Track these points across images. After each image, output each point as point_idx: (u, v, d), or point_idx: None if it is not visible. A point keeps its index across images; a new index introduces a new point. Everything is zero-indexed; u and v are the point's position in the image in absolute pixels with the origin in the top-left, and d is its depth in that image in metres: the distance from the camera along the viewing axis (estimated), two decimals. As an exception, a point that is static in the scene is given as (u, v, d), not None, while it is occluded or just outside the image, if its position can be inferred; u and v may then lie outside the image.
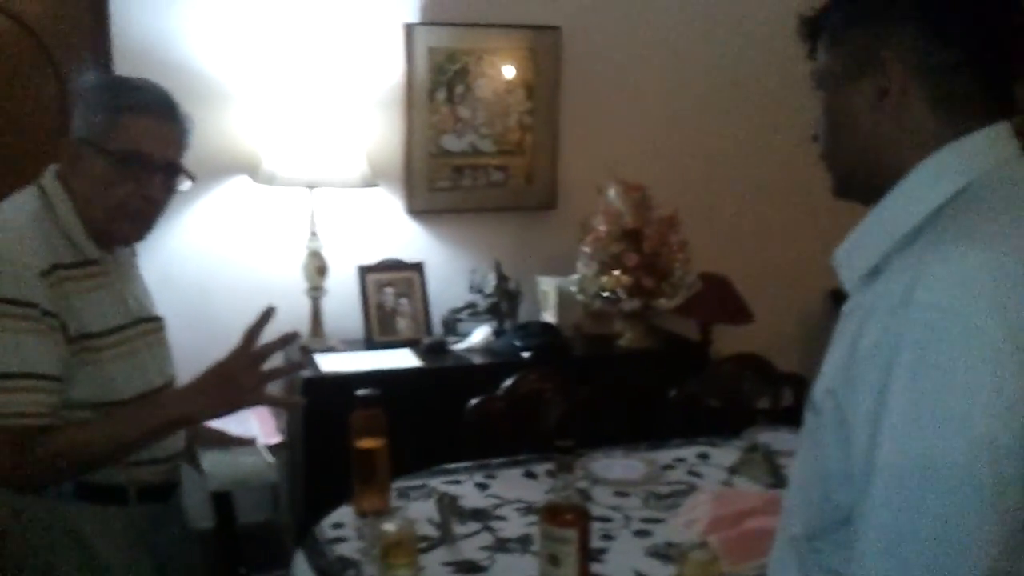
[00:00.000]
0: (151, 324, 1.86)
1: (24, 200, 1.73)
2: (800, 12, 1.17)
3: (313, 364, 3.12)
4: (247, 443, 1.99)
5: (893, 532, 0.94)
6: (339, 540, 1.96)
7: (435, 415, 2.82)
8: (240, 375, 1.70)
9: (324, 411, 2.87)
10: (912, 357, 0.94)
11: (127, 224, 1.76)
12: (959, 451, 0.91)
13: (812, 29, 1.15)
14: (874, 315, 0.99)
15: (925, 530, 0.92)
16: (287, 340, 1.78)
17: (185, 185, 1.83)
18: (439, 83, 3.42)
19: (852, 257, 1.10)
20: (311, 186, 3.16)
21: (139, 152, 1.72)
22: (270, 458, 1.99)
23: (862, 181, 1.13)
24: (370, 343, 3.32)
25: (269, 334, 3.39)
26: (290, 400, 2.48)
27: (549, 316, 3.52)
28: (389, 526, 1.81)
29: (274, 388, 3.18)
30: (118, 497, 1.75)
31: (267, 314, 1.74)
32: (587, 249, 3.35)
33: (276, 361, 2.97)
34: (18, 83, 3.13)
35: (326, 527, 2.02)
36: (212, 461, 1.89)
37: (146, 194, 1.74)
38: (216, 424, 1.99)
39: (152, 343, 1.84)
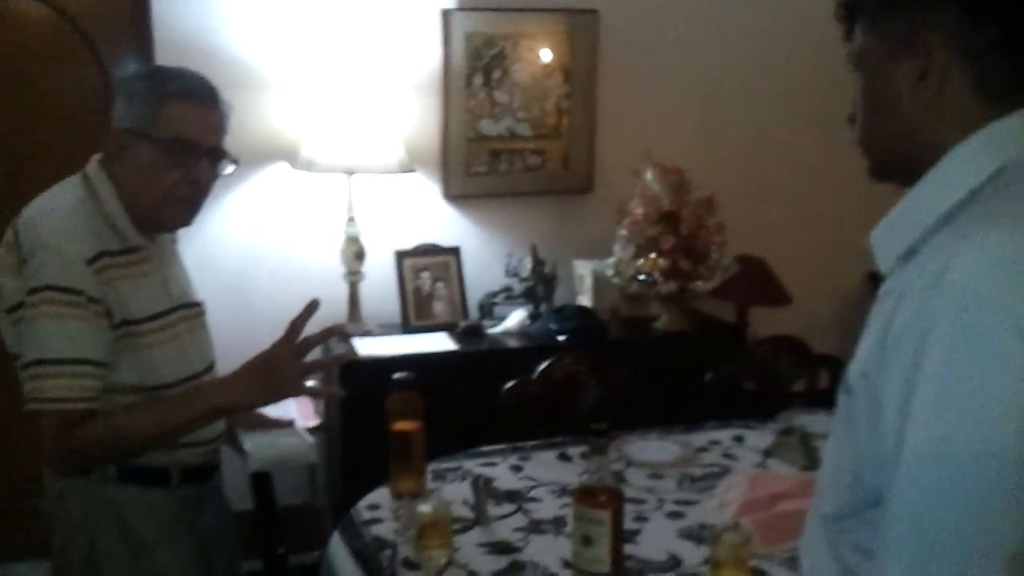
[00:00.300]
0: (192, 310, 1.90)
1: (68, 189, 1.77)
2: None
3: (351, 348, 3.15)
4: (286, 425, 2.03)
5: (919, 513, 0.94)
6: (375, 521, 1.99)
7: (471, 398, 2.84)
8: (283, 366, 1.72)
9: (361, 394, 2.91)
10: (944, 338, 0.93)
11: (176, 209, 1.79)
12: (987, 436, 0.91)
13: (849, 10, 1.14)
14: (907, 297, 0.99)
15: (951, 512, 0.92)
16: (331, 333, 1.80)
17: (229, 169, 1.87)
18: (476, 68, 3.43)
19: (888, 239, 1.09)
20: (349, 172, 3.19)
21: (185, 138, 1.75)
22: (309, 439, 2.02)
23: (900, 163, 1.12)
24: (407, 327, 3.35)
25: (313, 329, 3.46)
26: (329, 391, 2.50)
27: (585, 300, 3.53)
28: (424, 507, 1.84)
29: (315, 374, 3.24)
30: (161, 479, 1.80)
31: (312, 306, 1.76)
32: (624, 232, 3.35)
33: (318, 352, 3.04)
34: (63, 75, 3.19)
35: (362, 508, 2.06)
36: (253, 442, 1.93)
37: (194, 179, 1.77)
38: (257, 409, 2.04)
39: (193, 328, 1.88)
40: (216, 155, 1.82)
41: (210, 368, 1.90)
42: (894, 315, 0.99)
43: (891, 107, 1.10)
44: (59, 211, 1.71)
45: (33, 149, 3.19)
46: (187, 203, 1.80)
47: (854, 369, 1.07)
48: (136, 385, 1.73)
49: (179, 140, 1.74)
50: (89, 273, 1.66)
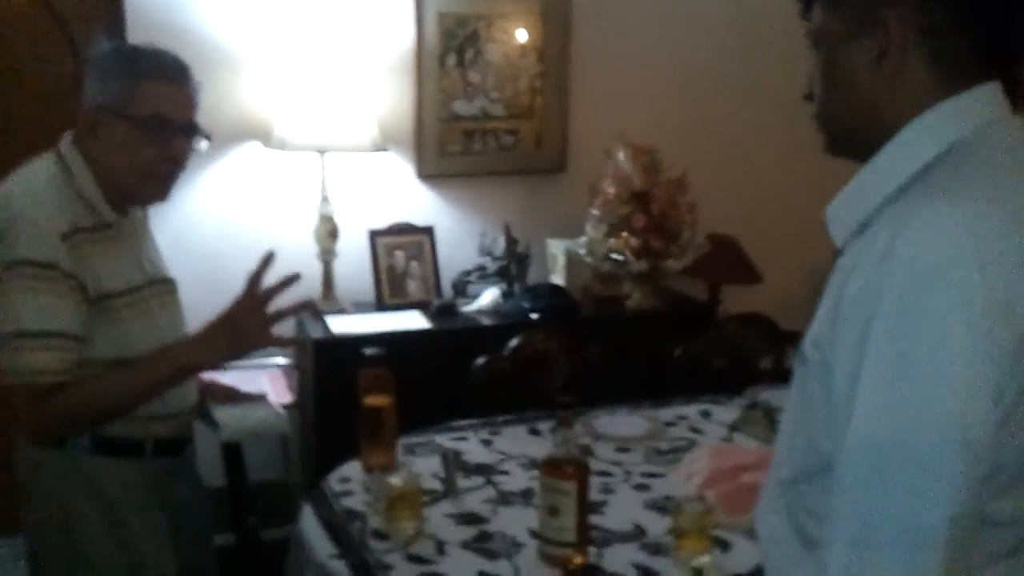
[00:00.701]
0: (164, 285, 1.92)
1: (42, 166, 1.78)
2: None
3: (324, 326, 3.17)
4: (257, 398, 2.05)
5: (866, 475, 0.97)
6: (346, 494, 2.02)
7: (445, 376, 2.87)
8: (247, 317, 1.77)
9: (335, 371, 2.95)
10: (891, 308, 0.96)
11: (153, 185, 1.82)
12: (931, 404, 0.94)
13: None
14: (858, 267, 1.01)
15: (896, 474, 0.95)
16: (303, 307, 1.85)
17: (203, 144, 1.89)
18: (449, 48, 3.44)
19: (842, 213, 1.12)
20: (322, 151, 3.20)
21: (161, 116, 1.77)
22: (281, 411, 2.05)
23: (857, 139, 1.13)
24: (380, 305, 3.37)
25: (284, 297, 3.44)
26: (293, 339, 2.49)
27: (558, 278, 3.56)
28: (394, 480, 1.88)
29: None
30: (134, 451, 1.82)
31: (268, 257, 1.81)
32: (596, 212, 3.38)
33: (291, 328, 3.07)
34: (35, 56, 3.18)
35: (333, 481, 2.09)
36: (225, 414, 1.95)
37: (171, 155, 1.80)
38: (227, 381, 2.06)
39: (166, 303, 1.90)
40: (191, 131, 1.84)
41: None
42: (845, 286, 1.02)
43: (849, 84, 1.12)
44: (33, 188, 1.72)
45: (4, 129, 3.18)
46: (163, 178, 1.83)
47: (809, 339, 1.10)
48: (112, 359, 1.75)
49: (155, 117, 1.76)
50: (64, 248, 1.68)
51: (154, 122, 1.76)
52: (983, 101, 1.06)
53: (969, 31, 1.05)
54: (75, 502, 1.76)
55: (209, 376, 2.04)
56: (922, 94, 1.07)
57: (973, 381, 0.93)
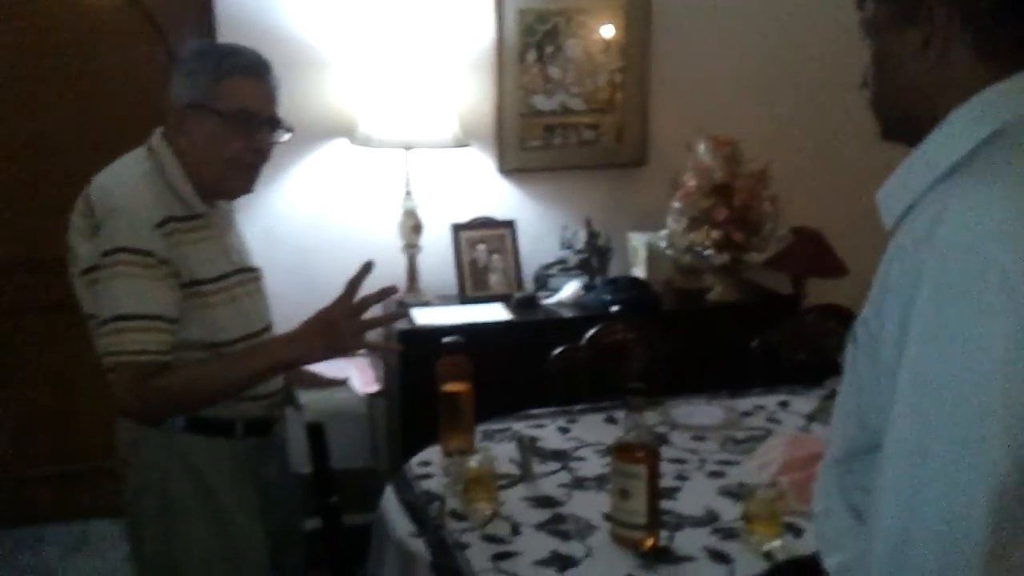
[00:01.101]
0: (250, 274, 2.01)
1: (135, 160, 1.89)
2: None
3: (409, 317, 3.25)
4: (339, 383, 2.13)
5: (910, 446, 0.99)
6: (426, 477, 2.09)
7: (526, 368, 2.90)
8: (341, 323, 1.83)
9: (419, 362, 2.99)
10: (932, 287, 0.98)
11: (240, 176, 1.92)
12: (972, 373, 0.96)
13: None
14: (902, 249, 1.04)
15: (940, 446, 0.97)
16: (386, 293, 1.89)
17: (285, 136, 1.98)
18: (529, 44, 3.48)
19: (892, 197, 1.14)
20: (406, 147, 3.28)
21: (247, 110, 1.87)
22: (361, 394, 2.12)
23: (908, 125, 1.16)
24: (463, 298, 3.44)
25: (369, 290, 3.55)
26: (387, 344, 2.58)
27: (639, 271, 3.58)
28: (471, 462, 1.93)
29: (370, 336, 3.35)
30: (226, 430, 1.92)
31: (367, 266, 1.87)
32: (677, 204, 3.39)
33: (375, 313, 3.15)
34: (129, 54, 3.35)
35: (414, 465, 2.15)
36: (308, 397, 2.04)
37: (256, 147, 1.90)
38: (314, 368, 2.14)
39: (252, 291, 1.99)
40: (274, 123, 1.94)
41: (267, 328, 2.01)
42: (890, 266, 1.05)
43: (898, 72, 1.14)
44: (128, 180, 1.83)
45: (105, 125, 3.34)
46: (249, 170, 1.93)
47: (859, 321, 1.12)
48: (201, 341, 1.85)
49: (241, 112, 1.86)
50: (158, 236, 1.78)
51: (240, 116, 1.86)
52: None
53: (1011, 19, 1.06)
54: (171, 478, 1.86)
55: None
56: (967, 81, 1.08)
57: (1014, 355, 0.94)
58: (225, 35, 3.26)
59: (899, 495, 1.00)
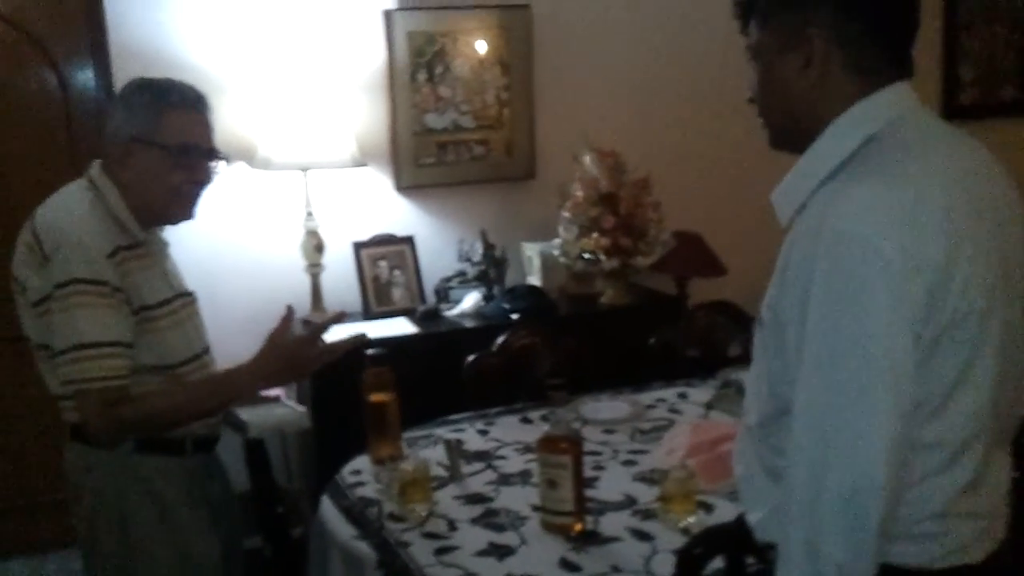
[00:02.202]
0: (188, 297, 2.09)
1: (77, 193, 1.94)
2: None
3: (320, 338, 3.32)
4: (273, 399, 2.21)
5: (816, 406, 1.20)
6: (359, 484, 2.19)
7: (434, 377, 3.02)
8: (302, 353, 1.96)
9: (330, 378, 3.08)
10: (824, 272, 1.19)
11: (182, 205, 2.01)
12: (861, 342, 1.16)
13: (745, 10, 1.37)
14: (797, 242, 1.24)
15: (841, 406, 1.17)
16: (338, 319, 2.07)
17: (221, 165, 2.08)
18: (419, 65, 3.61)
19: (784, 198, 1.34)
20: (304, 168, 3.36)
21: (188, 143, 1.96)
22: (300, 408, 2.22)
23: (793, 135, 1.36)
24: (368, 314, 3.53)
25: (270, 310, 3.59)
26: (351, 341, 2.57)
27: (534, 279, 3.74)
28: (406, 466, 2.05)
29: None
30: (176, 449, 2.00)
31: (339, 316, 2.11)
32: (567, 214, 3.56)
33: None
34: (22, 84, 3.34)
35: (346, 474, 2.25)
36: (250, 414, 2.12)
37: (198, 178, 2.00)
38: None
39: (191, 314, 2.07)
40: (212, 154, 2.04)
41: (207, 350, 2.08)
42: (789, 257, 1.25)
43: (783, 90, 1.34)
44: (76, 212, 1.89)
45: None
46: (191, 198, 2.02)
47: (764, 305, 1.32)
48: (154, 365, 1.92)
49: (183, 145, 1.96)
50: (110, 266, 1.85)
51: (182, 148, 1.95)
52: (895, 98, 1.28)
53: (878, 42, 1.27)
54: (128, 499, 1.92)
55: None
56: (844, 95, 1.29)
57: (895, 329, 1.15)
58: (118, 62, 3.29)
59: (809, 448, 1.19)
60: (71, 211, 1.90)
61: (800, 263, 1.22)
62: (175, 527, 1.96)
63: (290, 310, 2.02)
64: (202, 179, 2.01)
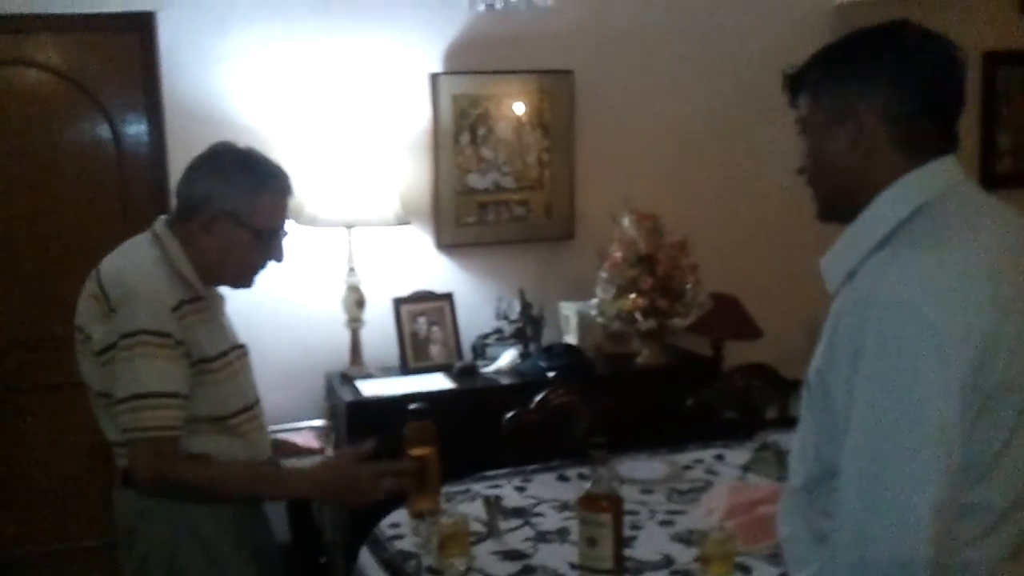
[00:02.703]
0: (241, 349, 2.15)
1: (142, 247, 2.01)
2: (783, 69, 1.44)
3: (355, 389, 3.37)
4: (317, 452, 2.26)
5: (865, 474, 1.21)
6: (397, 537, 2.21)
7: (470, 433, 3.04)
8: (366, 487, 2.02)
9: (366, 432, 3.12)
10: (875, 340, 1.21)
11: (250, 279, 2.11)
12: (910, 411, 1.18)
13: (794, 84, 1.42)
14: (847, 308, 1.27)
15: (889, 472, 1.19)
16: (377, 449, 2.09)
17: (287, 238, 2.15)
18: (463, 126, 3.70)
19: (833, 265, 1.37)
20: (349, 226, 3.44)
21: (275, 228, 2.05)
22: None
23: (841, 207, 1.40)
24: (405, 369, 3.58)
25: (310, 364, 3.62)
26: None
27: (571, 338, 3.77)
28: (445, 520, 2.07)
29: (314, 409, 3.46)
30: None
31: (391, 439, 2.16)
32: (604, 275, 3.60)
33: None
34: (74, 134, 3.46)
35: (385, 527, 2.27)
36: (296, 465, 2.17)
37: (273, 258, 2.09)
38: (286, 437, 2.26)
39: (244, 366, 2.12)
40: (286, 232, 2.11)
41: (258, 401, 2.13)
42: (838, 324, 1.27)
43: (832, 163, 1.38)
44: (143, 266, 1.95)
45: (51, 207, 3.44)
46: (259, 273, 2.11)
47: (812, 369, 1.34)
48: (208, 415, 1.97)
49: (271, 231, 2.04)
50: (174, 319, 1.91)
51: (271, 233, 2.04)
52: (942, 171, 1.32)
53: (928, 117, 1.31)
54: (181, 544, 1.96)
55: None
56: (892, 168, 1.33)
57: (944, 394, 1.17)
58: (173, 119, 3.40)
59: (856, 511, 1.21)
60: (138, 265, 1.96)
61: (850, 329, 1.25)
62: (223, 573, 1.99)
63: (371, 442, 2.08)
64: (278, 258, 2.09)
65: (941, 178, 1.32)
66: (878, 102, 1.32)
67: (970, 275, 1.22)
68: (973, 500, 1.23)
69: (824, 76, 1.38)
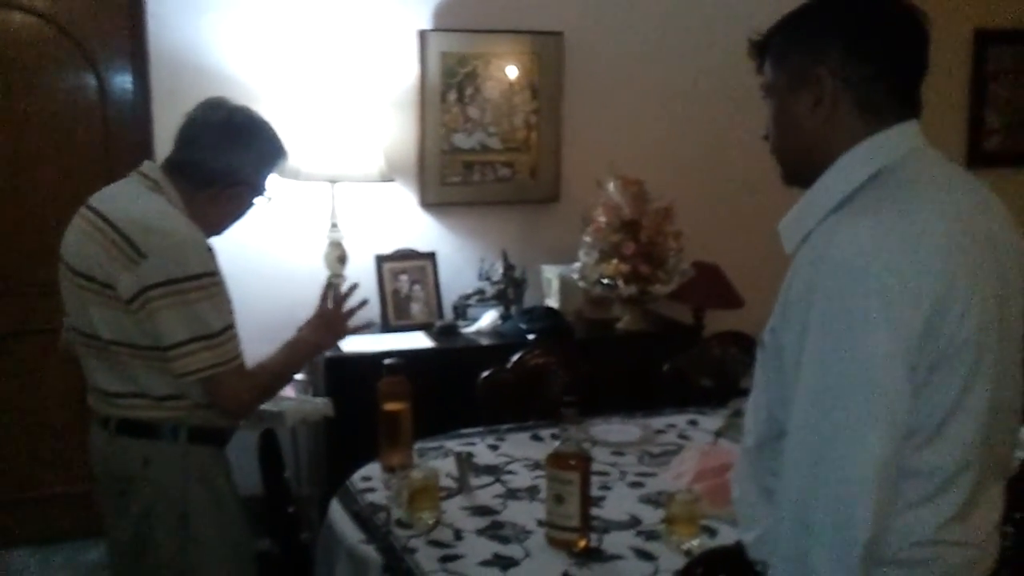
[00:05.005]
0: None
1: (146, 192, 2.00)
2: (748, 36, 1.44)
3: (335, 346, 3.37)
4: (294, 397, 2.30)
5: (811, 434, 1.23)
6: (369, 490, 2.23)
7: (448, 392, 3.05)
8: (335, 315, 2.25)
9: (346, 388, 3.14)
10: (824, 300, 1.23)
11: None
12: (856, 371, 1.19)
13: (759, 50, 1.42)
14: (800, 269, 1.27)
15: (834, 432, 1.21)
16: (352, 290, 2.33)
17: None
18: (450, 85, 3.68)
19: (791, 228, 1.39)
20: (332, 181, 3.42)
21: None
22: (324, 399, 2.30)
23: (804, 171, 1.41)
24: (386, 327, 3.58)
25: (289, 318, 3.66)
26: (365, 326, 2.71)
27: (552, 302, 3.78)
28: (416, 474, 2.08)
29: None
30: (221, 438, 2.07)
31: (352, 288, 2.35)
32: (588, 239, 3.60)
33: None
34: (57, 80, 3.42)
35: (357, 480, 2.28)
36: (282, 406, 2.22)
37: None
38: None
39: None
40: None
41: None
42: (791, 283, 1.29)
43: (795, 127, 1.39)
44: (168, 214, 1.97)
45: (33, 154, 3.41)
46: None
47: (767, 329, 1.36)
48: None
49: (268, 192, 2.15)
50: (214, 259, 1.97)
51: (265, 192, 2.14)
52: (902, 136, 1.32)
53: (888, 80, 1.31)
54: (190, 487, 1.98)
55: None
56: (852, 132, 1.34)
57: (892, 357, 1.18)
58: (158, 69, 3.36)
59: (801, 470, 1.23)
60: (162, 211, 1.96)
61: (801, 290, 1.26)
62: (228, 517, 2.03)
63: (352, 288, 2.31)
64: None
65: (901, 143, 1.33)
66: (837, 65, 1.33)
67: (923, 239, 1.22)
68: (920, 463, 1.24)
69: (786, 40, 1.39)
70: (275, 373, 2.11)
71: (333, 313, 2.25)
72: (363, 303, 2.31)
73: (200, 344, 1.91)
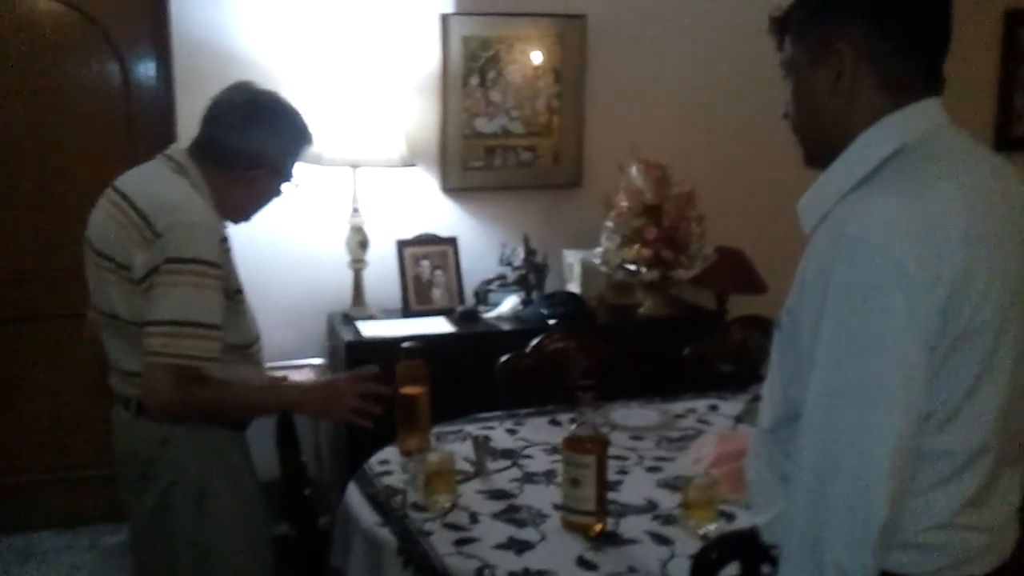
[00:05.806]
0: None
1: (171, 175, 1.99)
2: (769, 12, 1.41)
3: (355, 330, 3.38)
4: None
5: (826, 415, 1.21)
6: (386, 474, 2.23)
7: (468, 377, 3.05)
8: (346, 397, 2.04)
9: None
10: (842, 280, 1.20)
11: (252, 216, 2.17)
12: (878, 356, 1.17)
13: (780, 26, 1.40)
14: (817, 248, 1.25)
15: (849, 414, 1.19)
16: (378, 377, 2.10)
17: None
18: (472, 69, 3.66)
19: (810, 207, 1.36)
20: (354, 165, 3.42)
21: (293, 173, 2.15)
22: None
23: (825, 150, 1.37)
24: (407, 312, 3.58)
25: (311, 303, 3.65)
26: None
27: (574, 287, 3.76)
28: (432, 457, 2.09)
29: (315, 348, 3.49)
30: (239, 422, 2.07)
31: (376, 372, 2.11)
32: (610, 224, 3.58)
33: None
34: (82, 68, 3.44)
35: (374, 463, 2.29)
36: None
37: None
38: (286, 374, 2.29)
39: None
40: None
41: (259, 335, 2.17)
42: (808, 264, 1.26)
43: (815, 104, 1.36)
44: (188, 194, 1.95)
45: (57, 140, 3.43)
46: None
47: (784, 309, 1.33)
48: (235, 343, 2.00)
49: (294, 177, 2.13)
50: (221, 251, 1.94)
51: (292, 179, 2.12)
52: (924, 113, 1.29)
53: (908, 57, 1.28)
54: (209, 468, 1.98)
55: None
56: (873, 108, 1.31)
57: (910, 339, 1.15)
58: (180, 54, 3.38)
59: (815, 451, 1.21)
60: (184, 193, 1.95)
61: (818, 269, 1.24)
62: (246, 499, 2.04)
63: (373, 367, 2.12)
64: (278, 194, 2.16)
65: (923, 120, 1.30)
66: (860, 40, 1.30)
67: (944, 218, 1.20)
68: (937, 446, 1.22)
69: (807, 15, 1.36)
70: (231, 402, 1.99)
71: (344, 387, 2.06)
72: (379, 376, 2.11)
73: (170, 328, 1.85)
